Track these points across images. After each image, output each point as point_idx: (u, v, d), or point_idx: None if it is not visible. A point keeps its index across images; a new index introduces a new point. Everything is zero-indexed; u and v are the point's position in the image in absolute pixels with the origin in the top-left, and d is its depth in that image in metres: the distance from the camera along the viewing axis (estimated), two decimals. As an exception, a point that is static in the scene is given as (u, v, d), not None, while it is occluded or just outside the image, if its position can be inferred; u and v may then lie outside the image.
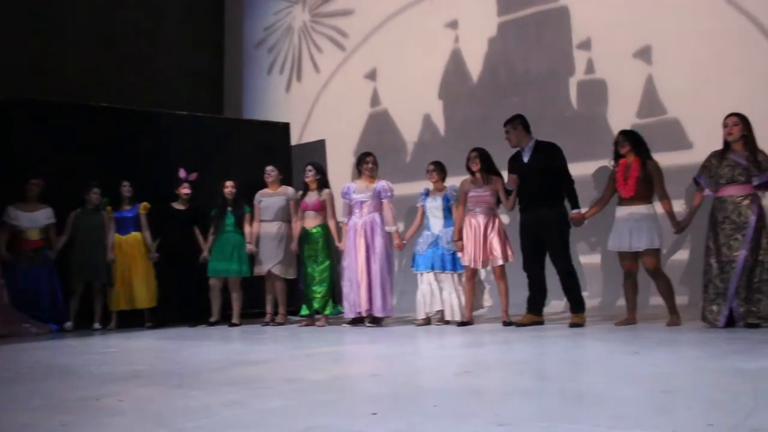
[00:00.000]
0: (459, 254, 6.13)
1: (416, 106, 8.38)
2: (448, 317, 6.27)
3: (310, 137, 9.17)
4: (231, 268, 7.04)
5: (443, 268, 6.29)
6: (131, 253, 7.15)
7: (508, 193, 5.92)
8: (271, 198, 7.05)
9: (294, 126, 9.08)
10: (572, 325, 5.51)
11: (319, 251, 6.66)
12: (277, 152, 8.23)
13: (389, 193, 6.52)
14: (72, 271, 7.00)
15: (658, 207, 5.52)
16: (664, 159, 5.73)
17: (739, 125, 5.00)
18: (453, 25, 8.24)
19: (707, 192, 5.17)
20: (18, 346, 5.61)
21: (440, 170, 6.48)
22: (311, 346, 5.17)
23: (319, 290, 6.63)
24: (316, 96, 9.42)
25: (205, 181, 7.32)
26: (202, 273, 7.10)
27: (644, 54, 6.93)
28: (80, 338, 6.26)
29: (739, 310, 4.88)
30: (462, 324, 6.01)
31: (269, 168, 7.11)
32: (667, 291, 5.41)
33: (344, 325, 6.51)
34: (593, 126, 7.07)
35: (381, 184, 6.54)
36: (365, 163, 6.61)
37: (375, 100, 8.85)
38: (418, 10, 8.53)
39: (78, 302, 7.03)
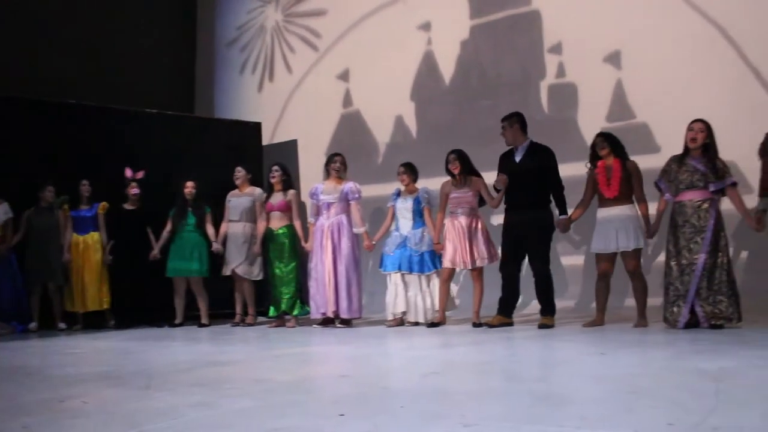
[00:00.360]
0: (439, 254, 6.15)
1: (388, 107, 8.40)
2: (411, 318, 6.27)
3: (282, 137, 9.14)
4: (191, 268, 6.99)
5: (410, 270, 6.29)
6: (88, 254, 7.03)
7: (498, 191, 5.92)
8: (238, 198, 7.04)
9: (266, 126, 9.04)
10: (541, 327, 5.55)
11: (285, 252, 6.64)
12: (248, 152, 8.21)
13: (357, 195, 6.52)
14: (28, 271, 6.85)
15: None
16: (632, 162, 5.81)
17: (704, 132, 5.11)
18: (426, 27, 8.27)
19: (667, 196, 5.27)
20: (-20, 347, 5.51)
21: (411, 172, 6.48)
22: (280, 347, 5.15)
23: (286, 291, 6.61)
24: (288, 96, 9.38)
25: (175, 180, 7.24)
26: (160, 273, 7.00)
27: (614, 59, 7.03)
28: (45, 339, 6.16)
29: (702, 312, 4.98)
30: (433, 325, 6.02)
31: (237, 168, 7.10)
32: (642, 292, 5.48)
33: (314, 326, 6.50)
34: (564, 129, 7.14)
35: (348, 185, 6.54)
36: (333, 164, 6.61)
37: (347, 100, 8.85)
38: (391, 12, 8.54)
39: (39, 302, 6.91)
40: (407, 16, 8.37)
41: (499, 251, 5.92)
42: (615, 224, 5.46)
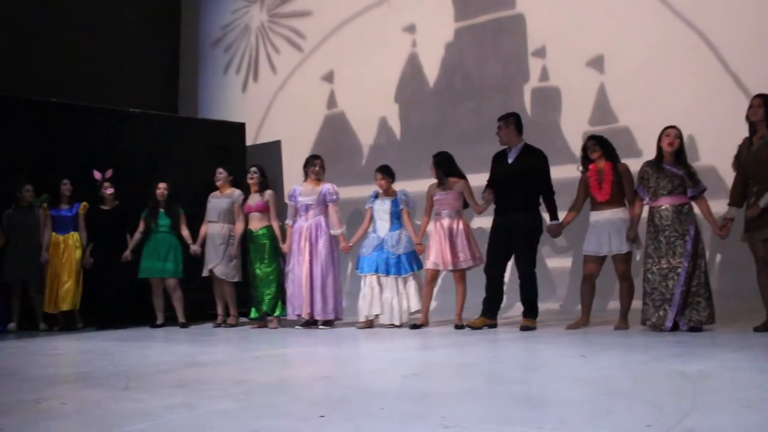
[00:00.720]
0: (422, 256, 6.17)
1: (373, 109, 8.41)
2: (386, 321, 6.25)
3: (265, 138, 9.11)
4: (166, 268, 6.95)
5: (387, 272, 6.27)
6: (66, 254, 6.95)
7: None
8: (218, 199, 7.03)
9: (249, 126, 9.00)
10: (523, 328, 5.57)
11: (266, 253, 6.63)
12: (232, 152, 8.17)
13: (334, 197, 6.52)
14: (6, 270, 6.77)
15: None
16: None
17: (679, 138, 5.21)
18: (410, 29, 8.29)
19: (646, 201, 5.31)
20: (-42, 347, 5.44)
21: (387, 175, 6.43)
22: (261, 348, 5.13)
23: (267, 292, 6.60)
24: (272, 97, 9.37)
25: (158, 181, 7.19)
26: (135, 274, 6.96)
27: (597, 63, 7.08)
28: (24, 339, 6.10)
29: (681, 315, 5.03)
30: (415, 326, 6.03)
31: (219, 170, 7.07)
32: (627, 296, 5.51)
33: (297, 327, 6.48)
34: (547, 133, 7.18)
35: (326, 187, 6.53)
36: (312, 166, 6.59)
37: (332, 102, 8.85)
38: (376, 14, 8.56)
39: (19, 302, 6.83)
40: (392, 18, 8.39)
41: (485, 253, 5.94)
42: (607, 227, 5.49)
